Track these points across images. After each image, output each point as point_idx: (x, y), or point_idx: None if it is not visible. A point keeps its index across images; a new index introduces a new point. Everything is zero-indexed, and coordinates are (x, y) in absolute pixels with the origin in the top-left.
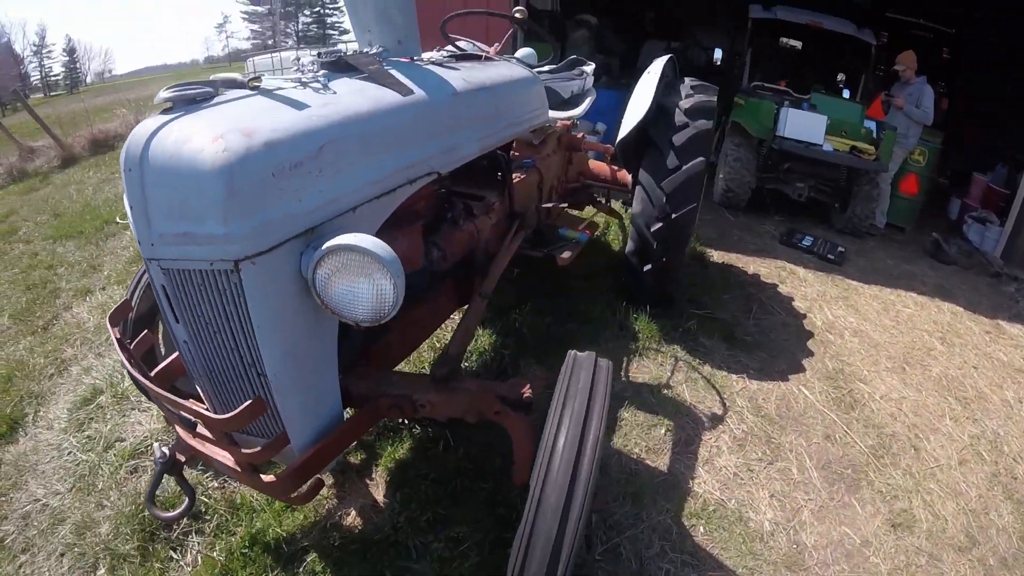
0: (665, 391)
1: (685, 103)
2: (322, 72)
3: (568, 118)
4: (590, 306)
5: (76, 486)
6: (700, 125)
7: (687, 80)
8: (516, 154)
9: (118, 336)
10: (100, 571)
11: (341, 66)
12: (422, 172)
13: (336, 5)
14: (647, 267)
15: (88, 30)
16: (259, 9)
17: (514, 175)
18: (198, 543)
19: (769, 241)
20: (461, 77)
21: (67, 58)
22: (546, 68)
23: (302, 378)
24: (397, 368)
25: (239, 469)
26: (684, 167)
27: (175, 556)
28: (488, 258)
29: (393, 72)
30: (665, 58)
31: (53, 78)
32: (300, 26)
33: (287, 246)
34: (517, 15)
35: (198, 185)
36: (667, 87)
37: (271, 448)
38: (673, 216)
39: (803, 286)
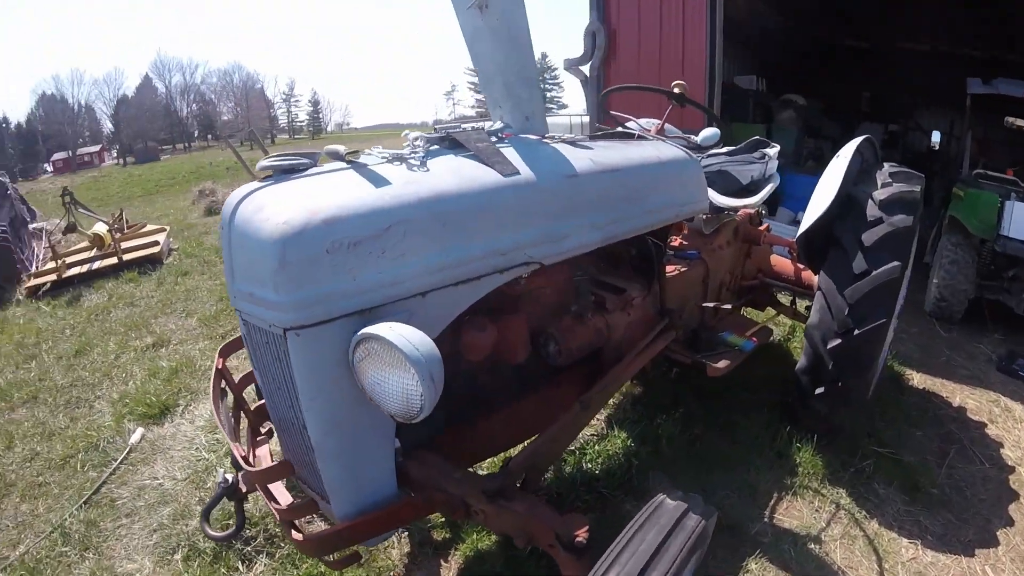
0: (812, 545)
1: (880, 194)
2: (428, 148)
3: (743, 206)
4: (748, 423)
5: (190, 478)
6: (897, 221)
7: (886, 166)
8: (682, 243)
9: (219, 367)
10: (176, 556)
11: (451, 143)
12: (517, 261)
13: (556, 80)
14: (818, 390)
15: (332, 86)
16: None
17: (671, 267)
18: (264, 564)
19: (984, 365)
20: (588, 157)
21: (311, 108)
22: (724, 150)
23: (346, 449)
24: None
25: (278, 517)
26: (873, 273)
27: (240, 568)
28: (618, 359)
29: (507, 150)
30: (859, 140)
31: (299, 124)
32: None
33: (338, 322)
34: (675, 90)
35: (261, 252)
36: (862, 174)
37: (304, 508)
38: (855, 332)
39: (1018, 429)
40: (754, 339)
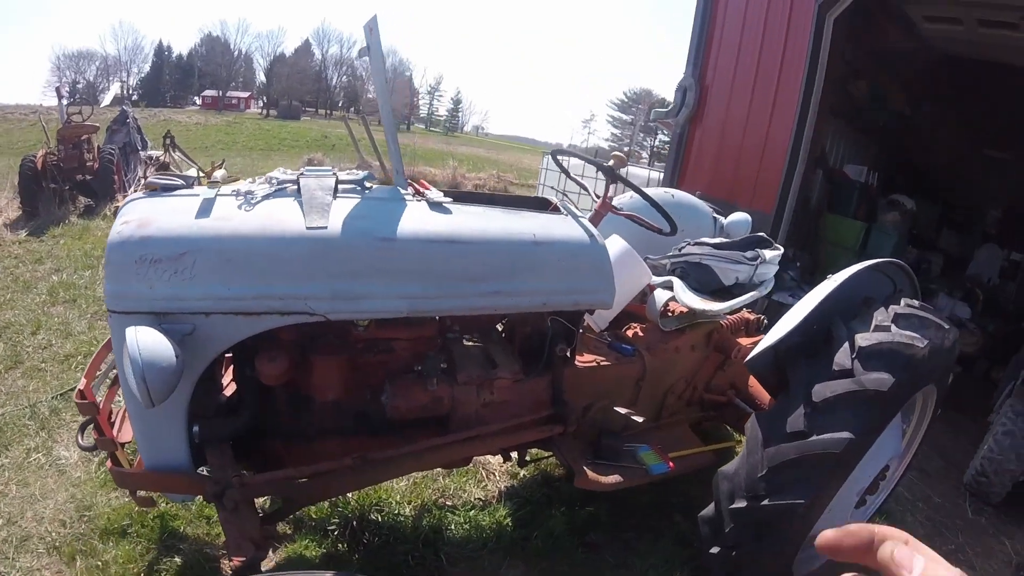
0: None
1: (865, 338)
2: (277, 187)
3: (706, 311)
4: (651, 548)
5: None
6: (869, 381)
7: (903, 302)
8: (636, 334)
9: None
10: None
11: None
12: (297, 309)
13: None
14: (713, 548)
15: (477, 88)
16: (624, 117)
17: (593, 358)
18: None
19: (999, 570)
20: (428, 223)
21: (452, 105)
22: (712, 241)
23: (144, 416)
24: None
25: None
26: (809, 439)
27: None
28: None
29: (346, 203)
30: (878, 262)
31: (437, 117)
32: (657, 142)
33: (135, 316)
34: (610, 162)
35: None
36: (867, 305)
37: (108, 443)
38: (764, 503)
39: None
40: (670, 464)
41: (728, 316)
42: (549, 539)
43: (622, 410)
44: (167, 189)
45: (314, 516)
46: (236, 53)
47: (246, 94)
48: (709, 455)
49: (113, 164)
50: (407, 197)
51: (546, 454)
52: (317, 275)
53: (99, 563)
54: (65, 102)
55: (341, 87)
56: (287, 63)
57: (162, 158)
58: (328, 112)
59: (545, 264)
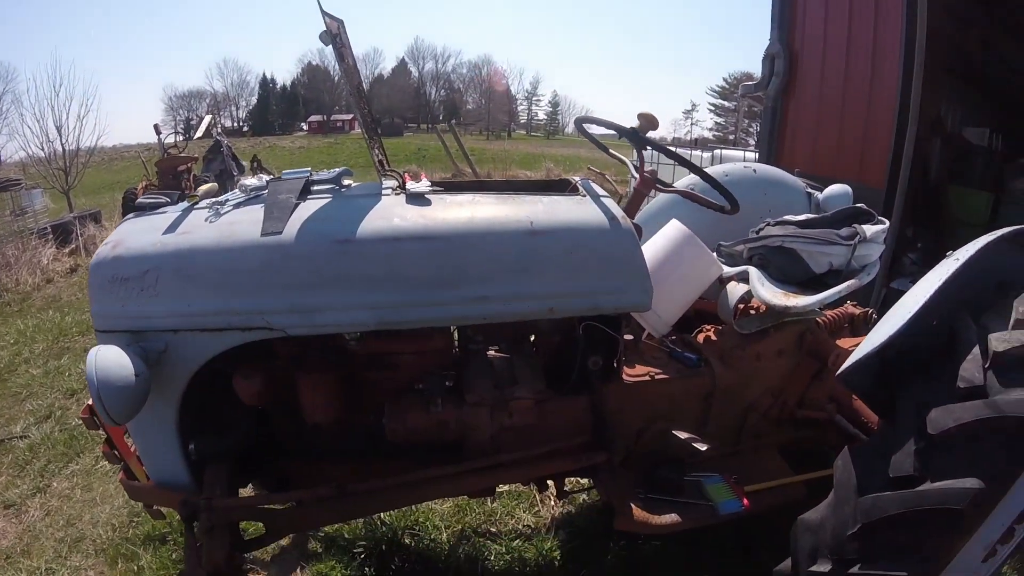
0: None
1: (1003, 339)
2: (249, 195)
3: (798, 308)
4: None
5: None
6: (1013, 405)
7: None
8: (708, 338)
9: None
10: None
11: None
12: (256, 324)
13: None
14: None
15: (575, 89)
16: (726, 104)
17: (646, 370)
18: None
19: None
20: (401, 217)
21: (551, 109)
22: (798, 218)
23: (141, 432)
24: None
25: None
26: (920, 489)
27: None
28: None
29: (313, 204)
30: (1009, 231)
31: (537, 122)
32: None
33: (115, 336)
34: (638, 123)
35: None
36: (1001, 291)
37: (114, 456)
38: (849, 570)
39: None
40: (745, 501)
41: (826, 312)
42: None
43: (683, 434)
44: (153, 207)
45: (346, 536)
46: (336, 78)
47: (349, 116)
48: (800, 488)
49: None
50: (385, 192)
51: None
52: (272, 287)
53: (135, 567)
54: (164, 136)
55: (440, 100)
56: (386, 83)
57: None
58: (429, 126)
59: (547, 259)
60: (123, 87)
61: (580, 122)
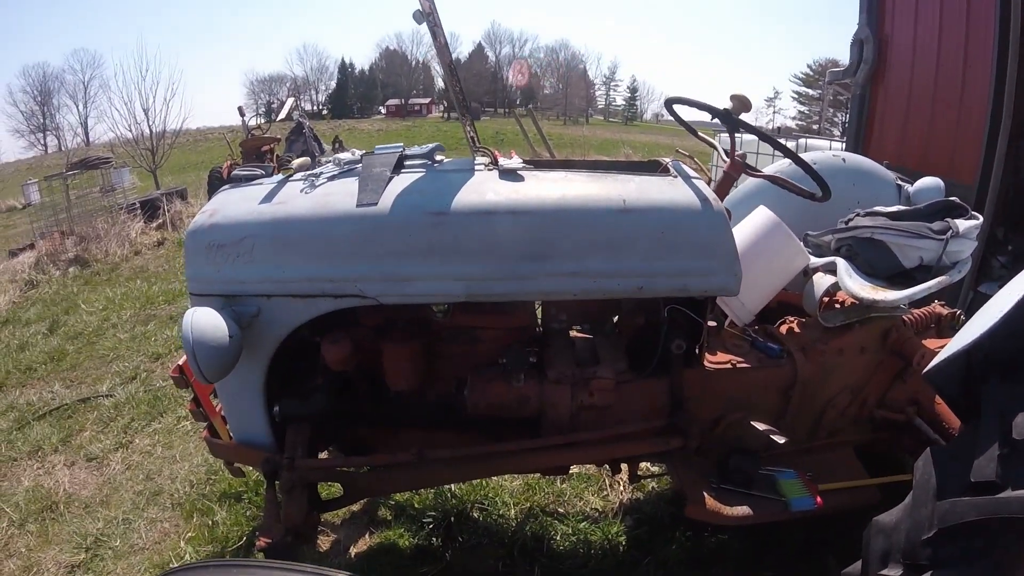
0: None
1: None
2: (343, 168)
3: (886, 303)
4: None
5: None
6: None
7: None
8: (791, 329)
9: None
10: None
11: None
12: (347, 292)
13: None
14: None
15: (654, 75)
16: (810, 92)
17: (728, 358)
18: None
19: None
20: (493, 192)
21: (629, 94)
22: (889, 209)
23: (228, 393)
24: None
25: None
26: (1001, 496)
27: None
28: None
29: (408, 177)
30: None
31: (615, 107)
32: (847, 116)
33: (209, 299)
34: (731, 104)
35: None
36: None
37: (200, 415)
38: (922, 574)
39: None
40: (818, 499)
41: (912, 310)
42: (662, 568)
43: (761, 426)
44: (249, 180)
45: (416, 506)
46: (414, 63)
47: (427, 100)
48: (874, 492)
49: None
50: (478, 167)
51: (663, 470)
52: (366, 255)
53: (210, 522)
54: (248, 118)
55: (517, 85)
56: (463, 67)
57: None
58: (506, 110)
59: (638, 238)
60: (207, 72)
61: (670, 102)
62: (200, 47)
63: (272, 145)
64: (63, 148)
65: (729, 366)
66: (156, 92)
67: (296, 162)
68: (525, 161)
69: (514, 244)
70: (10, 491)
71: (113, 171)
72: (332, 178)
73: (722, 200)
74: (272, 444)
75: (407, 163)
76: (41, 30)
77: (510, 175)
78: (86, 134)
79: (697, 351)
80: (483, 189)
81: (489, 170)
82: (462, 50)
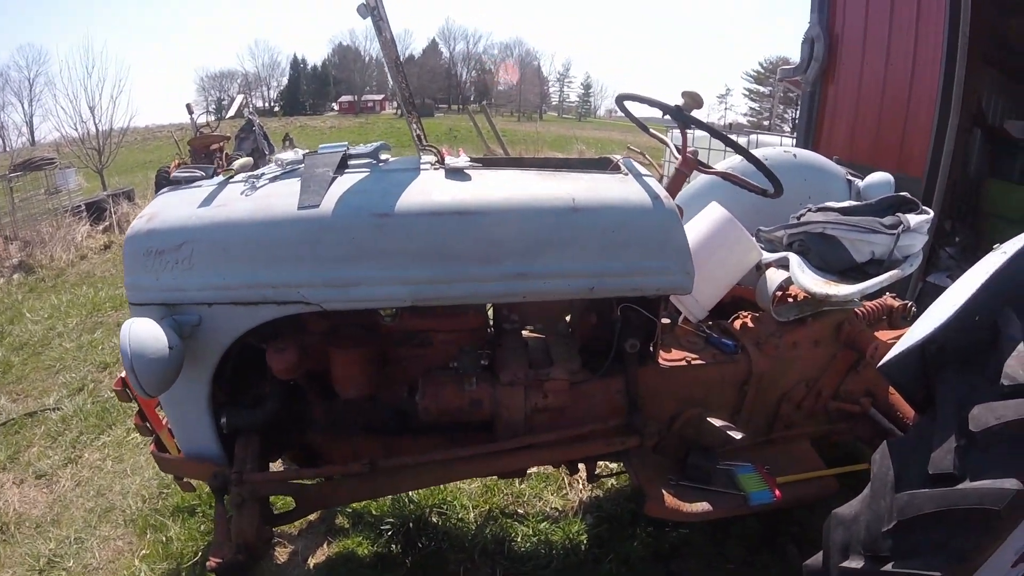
0: None
1: None
2: (285, 169)
3: (839, 297)
4: None
5: None
6: None
7: None
8: (744, 325)
9: None
10: None
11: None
12: (291, 298)
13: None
14: None
15: (607, 72)
16: (761, 89)
17: (682, 355)
18: None
19: None
20: (440, 191)
21: (583, 91)
22: (840, 205)
23: (172, 403)
24: None
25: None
26: (959, 488)
27: None
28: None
29: (351, 177)
30: None
31: (568, 104)
32: (798, 113)
33: (149, 308)
34: (683, 101)
35: None
36: None
37: (146, 429)
38: (883, 568)
39: None
40: (777, 492)
41: (865, 303)
42: (624, 565)
43: (718, 422)
44: (189, 181)
45: (373, 512)
46: (367, 59)
47: (380, 96)
48: (832, 482)
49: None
50: (423, 167)
51: (621, 468)
52: (308, 260)
53: (164, 538)
54: (195, 116)
55: (471, 82)
56: (417, 63)
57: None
58: (460, 107)
59: (589, 237)
60: (157, 68)
61: (621, 99)
62: (150, 43)
63: (221, 143)
64: (7, 148)
65: (684, 363)
66: (103, 89)
67: (238, 163)
68: (473, 159)
69: (461, 246)
70: None
71: (58, 172)
72: (274, 179)
73: (674, 197)
74: (221, 456)
75: (351, 163)
76: None
77: (457, 174)
78: (31, 133)
79: (652, 348)
80: (428, 189)
81: (435, 169)
82: (416, 47)
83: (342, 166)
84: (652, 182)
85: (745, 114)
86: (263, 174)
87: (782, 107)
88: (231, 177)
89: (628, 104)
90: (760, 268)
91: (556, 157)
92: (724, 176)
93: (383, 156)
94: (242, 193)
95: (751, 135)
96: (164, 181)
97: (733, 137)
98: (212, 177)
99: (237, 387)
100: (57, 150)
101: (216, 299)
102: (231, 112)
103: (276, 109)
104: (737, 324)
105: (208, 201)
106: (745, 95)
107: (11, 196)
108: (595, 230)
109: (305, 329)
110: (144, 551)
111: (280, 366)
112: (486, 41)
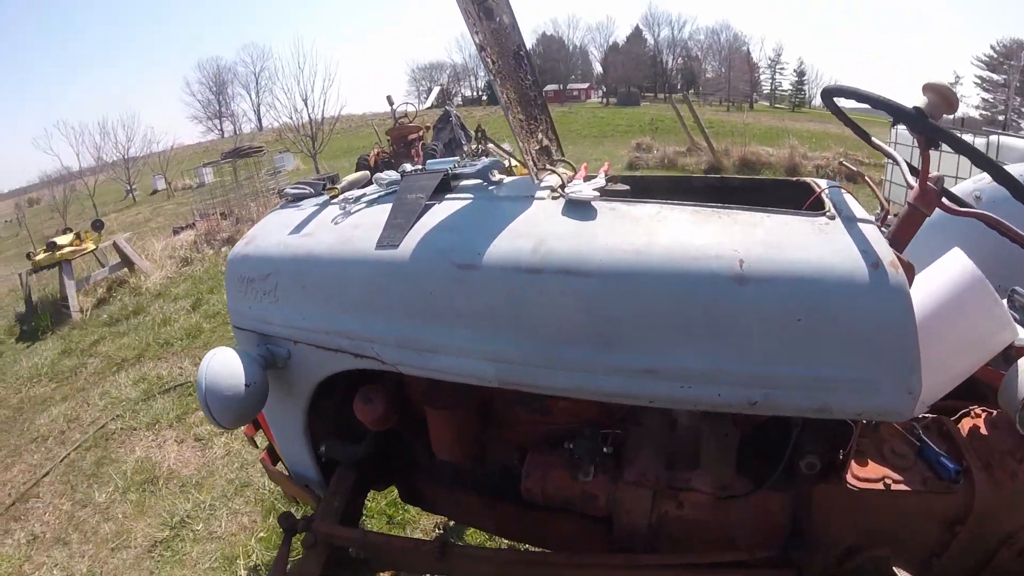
0: None
1: None
2: (387, 190)
3: None
4: None
5: None
6: None
7: None
8: (985, 433)
9: None
10: None
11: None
12: (366, 352)
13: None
14: None
15: (823, 58)
16: (995, 77)
17: (873, 473)
18: None
19: None
20: (548, 235)
21: (795, 78)
22: None
23: (275, 424)
24: None
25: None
26: None
27: None
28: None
29: (448, 205)
30: None
31: (781, 92)
32: None
33: (247, 334)
34: (924, 97)
35: None
36: None
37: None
38: None
39: None
40: None
41: None
42: None
43: (904, 574)
44: (297, 199)
45: None
46: (571, 48)
47: (585, 85)
48: None
49: (436, 157)
50: (539, 195)
51: None
52: (381, 312)
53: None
54: (397, 106)
55: (677, 69)
56: (620, 51)
57: (479, 147)
58: (666, 96)
59: (758, 324)
60: (370, 61)
61: (828, 94)
62: (367, 37)
63: (420, 133)
64: (237, 133)
65: (881, 486)
66: (314, 83)
67: (348, 178)
68: (611, 179)
69: (565, 318)
70: (123, 459)
71: (276, 156)
72: (371, 203)
73: (903, 249)
74: (321, 482)
75: (454, 183)
76: (213, 30)
77: (577, 209)
78: (259, 120)
79: (840, 457)
80: (533, 231)
81: (554, 198)
82: (619, 34)
83: (442, 190)
84: (871, 232)
85: (977, 106)
86: (363, 196)
87: (1019, 99)
88: (334, 196)
89: (840, 102)
90: (1012, 354)
91: (735, 177)
92: (986, 221)
93: (495, 176)
94: (333, 220)
95: (990, 135)
96: (363, 168)
97: (967, 137)
98: (321, 194)
99: (341, 416)
100: (280, 136)
101: (300, 338)
102: (428, 102)
103: (484, 98)
104: (964, 428)
105: (299, 228)
106: (976, 83)
107: (236, 176)
108: (768, 313)
109: (401, 378)
110: (262, 534)
111: (368, 416)
112: (691, 26)
